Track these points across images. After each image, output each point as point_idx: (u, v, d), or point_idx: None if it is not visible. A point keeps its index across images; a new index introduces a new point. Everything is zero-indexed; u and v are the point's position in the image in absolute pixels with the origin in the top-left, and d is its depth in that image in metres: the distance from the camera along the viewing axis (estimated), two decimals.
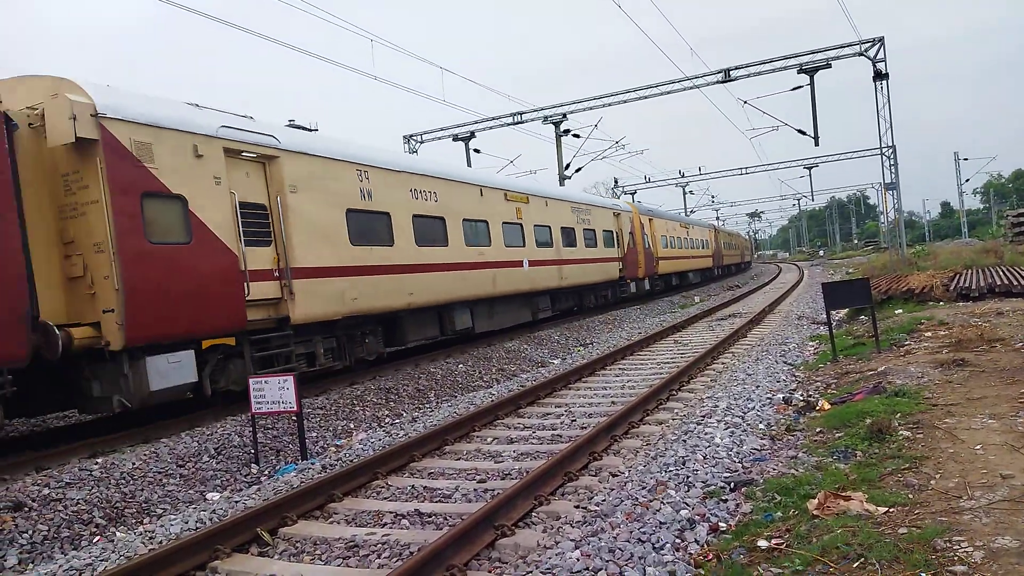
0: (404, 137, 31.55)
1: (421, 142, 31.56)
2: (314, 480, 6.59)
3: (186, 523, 6.01)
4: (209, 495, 7.40)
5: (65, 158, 8.41)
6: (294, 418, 8.61)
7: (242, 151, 10.20)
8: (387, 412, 10.91)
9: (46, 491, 6.79)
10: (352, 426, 10.09)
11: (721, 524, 4.78)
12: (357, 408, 10.80)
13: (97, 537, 6.29)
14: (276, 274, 10.59)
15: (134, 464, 7.66)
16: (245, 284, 9.88)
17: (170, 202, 9.05)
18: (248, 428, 8.81)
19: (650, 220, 31.30)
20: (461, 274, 15.46)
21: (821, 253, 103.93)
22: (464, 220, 15.95)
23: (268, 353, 10.43)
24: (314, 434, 9.45)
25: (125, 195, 8.44)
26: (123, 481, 7.27)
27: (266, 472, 8.18)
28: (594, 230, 24.29)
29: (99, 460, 7.74)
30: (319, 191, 11.47)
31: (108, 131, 8.34)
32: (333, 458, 8.02)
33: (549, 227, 20.69)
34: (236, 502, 6.55)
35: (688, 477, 5.76)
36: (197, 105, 10.10)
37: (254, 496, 6.68)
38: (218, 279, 9.49)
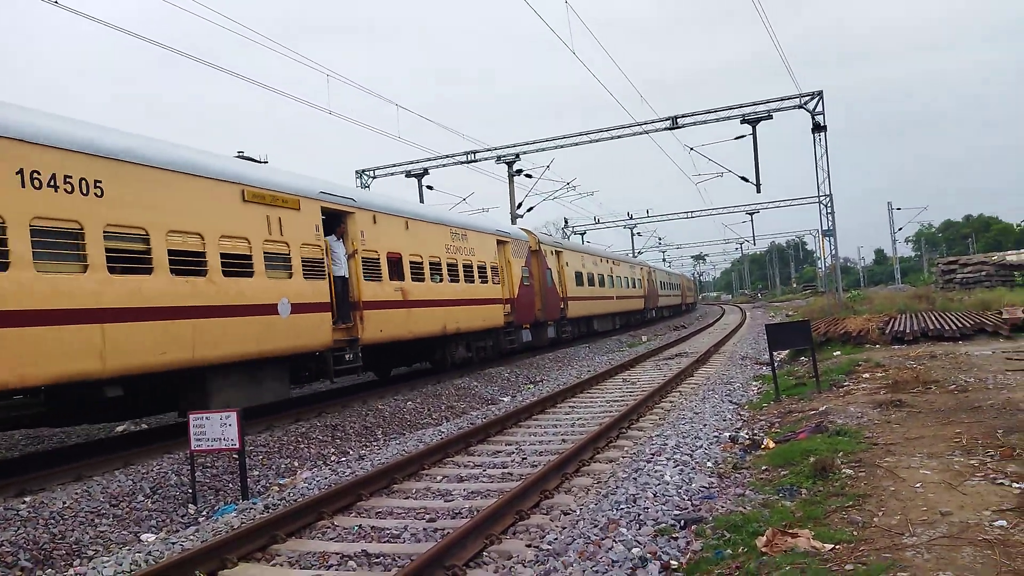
0: (356, 172, 31.45)
1: (374, 177, 31.49)
2: (256, 520, 6.38)
3: (120, 565, 5.73)
4: (144, 536, 7.07)
5: None
6: (235, 456, 8.34)
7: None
8: (333, 450, 10.66)
9: None
10: (296, 464, 9.82)
11: (672, 562, 4.79)
12: (302, 445, 10.52)
13: None
14: None
15: (64, 503, 7.29)
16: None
17: None
18: (186, 466, 8.49)
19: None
20: None
21: (760, 296, 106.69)
22: None
23: None
24: (256, 472, 9.16)
25: None
26: (52, 521, 6.90)
27: (204, 513, 7.87)
28: None
29: (27, 499, 7.34)
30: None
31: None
32: (276, 497, 7.77)
33: None
34: (172, 543, 6.27)
35: (639, 515, 5.77)
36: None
37: (192, 537, 6.42)
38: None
